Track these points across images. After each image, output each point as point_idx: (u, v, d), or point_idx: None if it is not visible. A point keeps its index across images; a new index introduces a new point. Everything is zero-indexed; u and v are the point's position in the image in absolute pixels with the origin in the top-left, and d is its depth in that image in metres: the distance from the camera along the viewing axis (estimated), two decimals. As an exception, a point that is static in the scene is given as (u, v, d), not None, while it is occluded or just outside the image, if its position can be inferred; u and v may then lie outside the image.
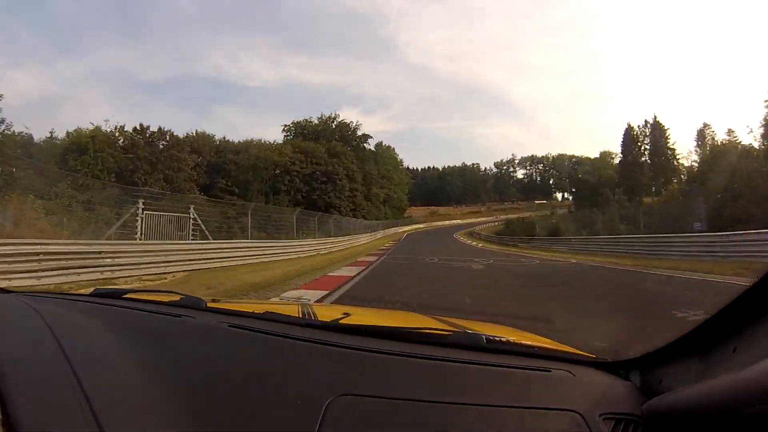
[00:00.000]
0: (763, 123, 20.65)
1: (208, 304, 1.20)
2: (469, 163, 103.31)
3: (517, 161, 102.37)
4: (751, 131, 21.33)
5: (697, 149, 33.43)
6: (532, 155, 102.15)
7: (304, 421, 0.60)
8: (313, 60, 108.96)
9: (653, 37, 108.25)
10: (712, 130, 34.02)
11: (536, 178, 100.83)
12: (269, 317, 1.10)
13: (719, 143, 29.02)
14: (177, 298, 1.26)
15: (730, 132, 28.35)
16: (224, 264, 11.23)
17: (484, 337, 0.93)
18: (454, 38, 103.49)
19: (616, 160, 49.89)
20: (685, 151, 42.56)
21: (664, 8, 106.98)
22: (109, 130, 25.11)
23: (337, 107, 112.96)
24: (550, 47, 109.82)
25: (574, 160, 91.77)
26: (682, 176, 34.59)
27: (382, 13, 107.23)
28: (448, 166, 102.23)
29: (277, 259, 13.86)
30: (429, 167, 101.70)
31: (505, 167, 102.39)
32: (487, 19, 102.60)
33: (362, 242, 28.73)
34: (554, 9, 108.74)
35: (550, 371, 0.83)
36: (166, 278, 8.81)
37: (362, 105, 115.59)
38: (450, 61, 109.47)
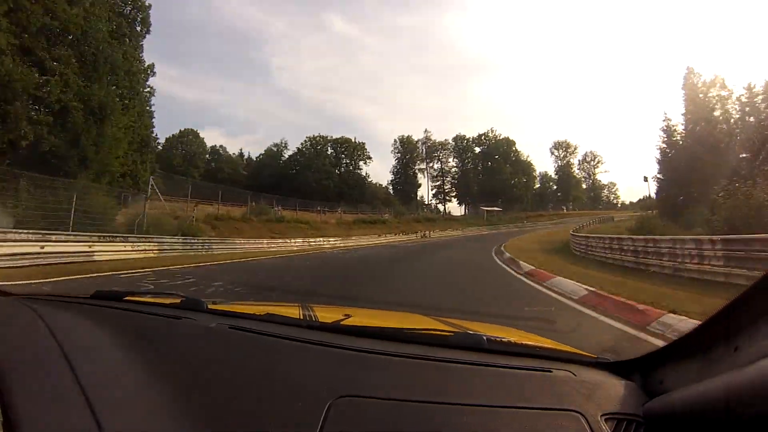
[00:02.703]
0: None
1: (209, 306, 1.20)
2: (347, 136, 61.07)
3: (429, 144, 66.53)
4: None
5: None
6: (458, 134, 67.75)
7: (305, 423, 0.60)
8: (184, 73, 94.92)
9: (528, 87, 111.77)
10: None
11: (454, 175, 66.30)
12: (270, 319, 1.09)
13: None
14: (177, 300, 1.26)
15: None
16: None
17: (485, 337, 0.94)
18: (330, 69, 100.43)
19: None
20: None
21: (542, 59, 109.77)
22: None
23: (199, 126, 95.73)
24: (423, 89, 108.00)
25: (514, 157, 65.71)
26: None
27: (262, 37, 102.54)
28: (313, 137, 59.02)
29: None
30: (275, 144, 59.87)
31: (411, 149, 64.84)
32: (364, 55, 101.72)
33: None
34: (431, 56, 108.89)
35: (551, 372, 0.83)
36: None
37: (227, 126, 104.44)
38: (322, 91, 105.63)
